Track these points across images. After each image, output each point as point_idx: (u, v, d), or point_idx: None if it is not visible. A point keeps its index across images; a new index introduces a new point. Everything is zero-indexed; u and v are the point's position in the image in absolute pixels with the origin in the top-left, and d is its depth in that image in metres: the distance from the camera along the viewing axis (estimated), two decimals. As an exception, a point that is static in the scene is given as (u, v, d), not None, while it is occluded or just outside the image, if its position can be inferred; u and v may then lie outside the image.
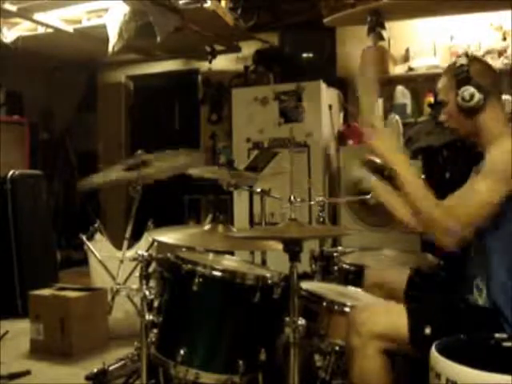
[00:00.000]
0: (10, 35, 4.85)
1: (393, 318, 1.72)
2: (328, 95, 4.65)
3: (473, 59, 1.84)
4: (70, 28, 4.83)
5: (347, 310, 1.87)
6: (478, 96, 1.77)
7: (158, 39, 4.17)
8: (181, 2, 4.16)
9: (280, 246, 1.65)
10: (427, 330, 1.64)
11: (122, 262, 3.29)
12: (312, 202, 3.15)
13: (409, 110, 4.85)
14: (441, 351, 1.37)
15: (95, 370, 2.49)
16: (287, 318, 1.59)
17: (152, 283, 1.95)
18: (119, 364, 2.50)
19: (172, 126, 6.41)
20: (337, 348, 1.86)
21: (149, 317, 1.89)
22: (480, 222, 1.69)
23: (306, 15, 5.14)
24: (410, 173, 1.78)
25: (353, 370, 1.72)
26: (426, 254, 2.54)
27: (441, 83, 1.91)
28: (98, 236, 3.58)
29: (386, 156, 1.81)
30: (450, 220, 1.67)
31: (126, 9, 4.25)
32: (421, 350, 1.45)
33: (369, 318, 1.70)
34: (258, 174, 3.02)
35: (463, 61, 1.80)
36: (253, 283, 1.88)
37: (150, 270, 1.94)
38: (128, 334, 3.16)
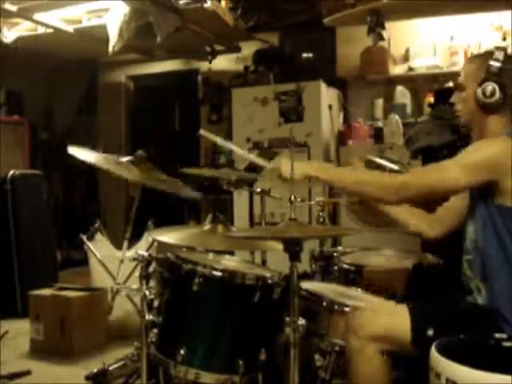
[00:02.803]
0: (9, 35, 4.85)
1: (394, 318, 1.71)
2: (328, 95, 4.65)
3: (509, 57, 1.81)
4: (70, 28, 4.83)
5: (347, 309, 1.87)
6: (497, 95, 1.76)
7: (158, 39, 4.17)
8: (181, 2, 4.16)
9: (280, 246, 1.65)
10: (430, 332, 1.63)
11: (122, 261, 3.29)
12: (312, 202, 3.15)
13: (409, 109, 4.86)
14: (441, 351, 1.37)
15: (95, 370, 2.49)
16: (287, 318, 1.59)
17: (152, 283, 1.95)
18: (119, 364, 2.50)
19: (172, 126, 6.41)
20: (337, 348, 1.86)
21: (149, 317, 1.89)
22: (427, 195, 1.76)
23: (306, 15, 5.14)
24: (338, 174, 1.83)
25: (352, 372, 1.71)
26: (426, 254, 2.54)
27: (466, 67, 1.90)
28: (98, 236, 3.58)
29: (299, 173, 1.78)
30: (402, 177, 1.78)
31: (126, 9, 4.25)
32: (423, 352, 1.45)
33: (368, 320, 1.69)
34: (258, 174, 3.02)
35: (500, 56, 1.78)
36: (253, 283, 1.87)
37: (150, 270, 1.93)
38: (128, 334, 3.16)
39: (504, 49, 1.82)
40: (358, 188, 1.81)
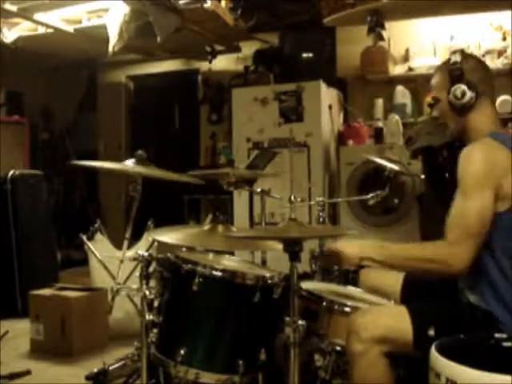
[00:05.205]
0: (10, 35, 4.85)
1: (395, 319, 1.71)
2: (328, 95, 4.65)
3: (466, 56, 1.86)
4: (70, 28, 4.83)
5: (347, 309, 1.86)
6: (469, 94, 1.79)
7: (158, 39, 4.17)
8: (181, 2, 4.16)
9: (280, 246, 1.65)
10: (431, 332, 1.62)
11: (122, 261, 3.29)
12: (312, 202, 3.15)
13: (409, 109, 4.86)
14: (441, 351, 1.37)
15: (95, 370, 2.50)
16: (287, 318, 1.59)
17: (152, 283, 1.95)
18: (119, 364, 2.51)
19: (172, 125, 6.41)
20: (337, 348, 1.86)
21: (149, 317, 1.89)
22: (480, 231, 1.66)
23: (306, 15, 5.14)
24: (384, 251, 1.81)
25: (355, 375, 1.70)
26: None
27: (434, 80, 1.93)
28: (98, 236, 3.58)
29: (353, 254, 1.85)
30: (450, 246, 1.67)
31: (126, 9, 4.25)
32: (424, 352, 1.44)
33: (370, 323, 1.68)
34: (258, 174, 3.02)
35: (457, 58, 1.81)
36: (253, 283, 1.88)
37: (150, 270, 1.93)
38: (128, 334, 3.16)
39: (459, 50, 1.87)
40: (411, 266, 1.80)
